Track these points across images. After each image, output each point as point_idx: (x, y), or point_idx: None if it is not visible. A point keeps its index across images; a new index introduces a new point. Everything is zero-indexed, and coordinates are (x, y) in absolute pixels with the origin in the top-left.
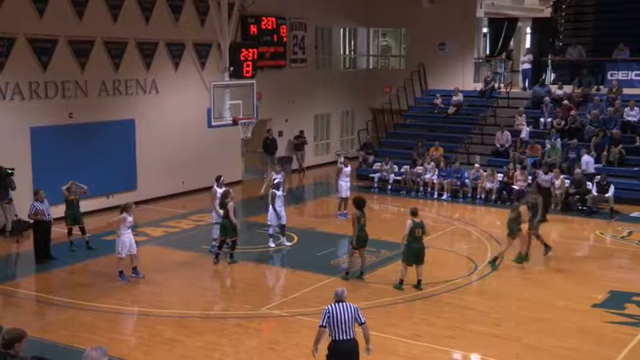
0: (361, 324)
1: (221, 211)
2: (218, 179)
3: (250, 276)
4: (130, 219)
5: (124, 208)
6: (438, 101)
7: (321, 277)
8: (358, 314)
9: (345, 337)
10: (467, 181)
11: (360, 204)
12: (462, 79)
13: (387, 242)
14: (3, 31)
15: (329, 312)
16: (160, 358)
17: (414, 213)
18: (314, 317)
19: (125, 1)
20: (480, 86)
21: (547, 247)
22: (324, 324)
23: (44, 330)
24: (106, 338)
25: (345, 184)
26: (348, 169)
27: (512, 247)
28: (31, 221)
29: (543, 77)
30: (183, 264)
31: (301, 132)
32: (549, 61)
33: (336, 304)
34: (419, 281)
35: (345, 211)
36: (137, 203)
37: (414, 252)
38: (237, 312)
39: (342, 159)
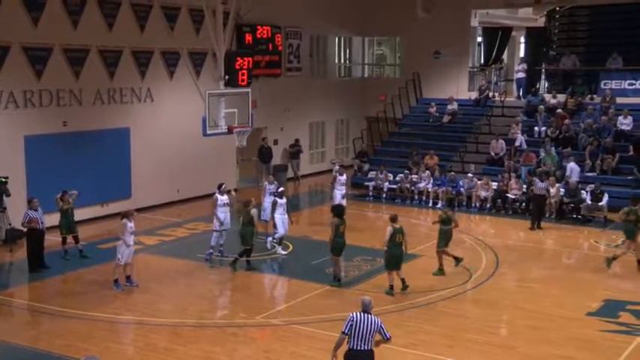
0: (387, 339)
1: (219, 218)
2: (220, 187)
3: (245, 284)
4: (131, 225)
5: (124, 215)
6: (433, 110)
7: (316, 286)
8: (382, 329)
9: (363, 347)
10: (462, 189)
11: (338, 211)
12: (457, 88)
13: (382, 251)
14: None
15: (352, 320)
16: None
17: (393, 219)
18: (309, 326)
19: (120, 10)
20: (474, 95)
21: (457, 259)
22: (347, 331)
23: (38, 339)
24: (100, 347)
25: (339, 193)
26: (343, 178)
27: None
28: (25, 230)
29: (537, 86)
30: (177, 272)
31: (296, 140)
32: (543, 70)
33: (361, 314)
34: (403, 280)
35: None
36: None
37: (395, 257)
38: (232, 320)
39: (337, 167)
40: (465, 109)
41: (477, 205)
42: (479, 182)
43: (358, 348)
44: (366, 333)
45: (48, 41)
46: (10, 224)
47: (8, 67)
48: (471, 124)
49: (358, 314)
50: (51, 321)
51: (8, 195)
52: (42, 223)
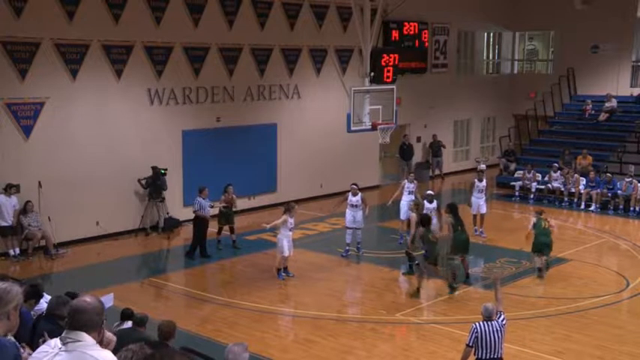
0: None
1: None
2: (351, 187)
3: (384, 281)
4: (291, 220)
5: (286, 210)
6: (589, 107)
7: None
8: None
9: (492, 356)
10: (619, 192)
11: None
12: (617, 84)
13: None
14: (164, 41)
15: (477, 331)
16: (296, 358)
17: (539, 212)
18: (449, 326)
19: (271, 10)
20: (637, 91)
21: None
22: (472, 344)
23: (190, 323)
24: (245, 334)
25: (476, 200)
26: (482, 184)
27: None
28: (193, 216)
29: None
30: (318, 266)
31: (434, 136)
32: None
33: (485, 323)
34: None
35: (480, 229)
36: (277, 205)
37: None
38: (372, 316)
39: (481, 166)
40: (625, 106)
41: (636, 208)
42: (639, 185)
43: (487, 357)
44: (495, 341)
45: (206, 41)
46: (167, 213)
47: (171, 65)
48: (632, 123)
49: (482, 324)
50: (201, 306)
51: (165, 189)
52: (207, 211)
